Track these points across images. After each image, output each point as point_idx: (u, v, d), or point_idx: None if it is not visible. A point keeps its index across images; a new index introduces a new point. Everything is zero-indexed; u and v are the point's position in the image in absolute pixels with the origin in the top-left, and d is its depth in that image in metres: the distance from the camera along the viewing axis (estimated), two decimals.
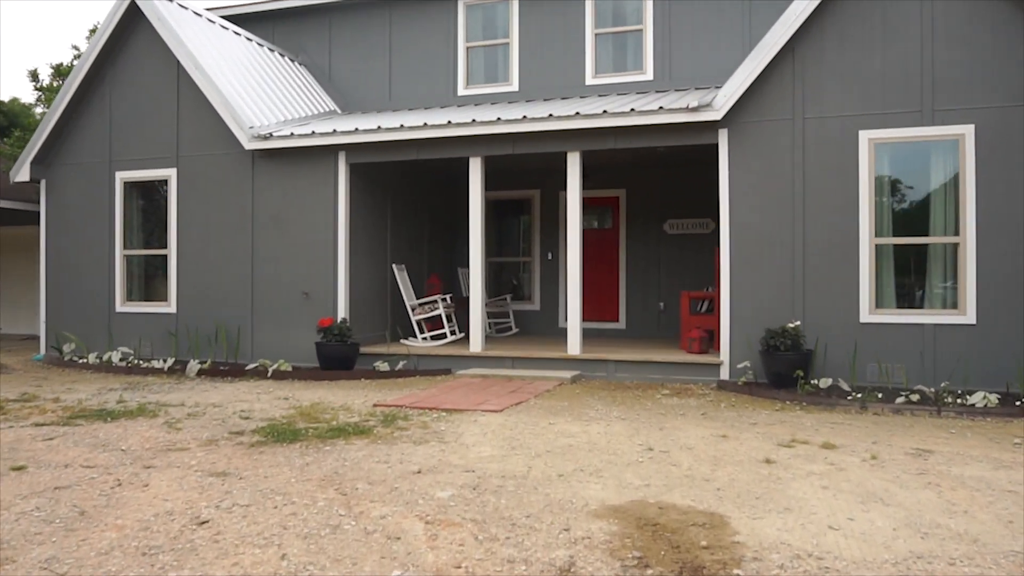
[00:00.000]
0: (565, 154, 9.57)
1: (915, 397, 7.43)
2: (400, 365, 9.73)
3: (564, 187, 12.86)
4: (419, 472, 4.95)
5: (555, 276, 12.95)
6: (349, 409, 7.23)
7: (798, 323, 8.22)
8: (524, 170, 12.80)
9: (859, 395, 7.57)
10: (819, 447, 5.67)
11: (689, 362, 8.92)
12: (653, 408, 7.31)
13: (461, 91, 12.79)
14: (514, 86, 12.53)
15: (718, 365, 8.80)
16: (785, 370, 8.08)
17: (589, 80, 12.16)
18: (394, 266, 10.91)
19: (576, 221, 9.40)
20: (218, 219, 10.77)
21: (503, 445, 5.71)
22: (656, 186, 12.47)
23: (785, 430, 6.29)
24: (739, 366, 8.56)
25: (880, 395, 7.54)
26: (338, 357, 9.51)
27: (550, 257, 12.98)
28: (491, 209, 13.42)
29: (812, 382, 8.12)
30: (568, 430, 6.23)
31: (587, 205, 12.86)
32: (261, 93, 11.32)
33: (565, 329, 12.85)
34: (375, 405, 7.39)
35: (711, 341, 9.61)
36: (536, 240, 13.08)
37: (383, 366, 9.58)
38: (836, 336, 8.34)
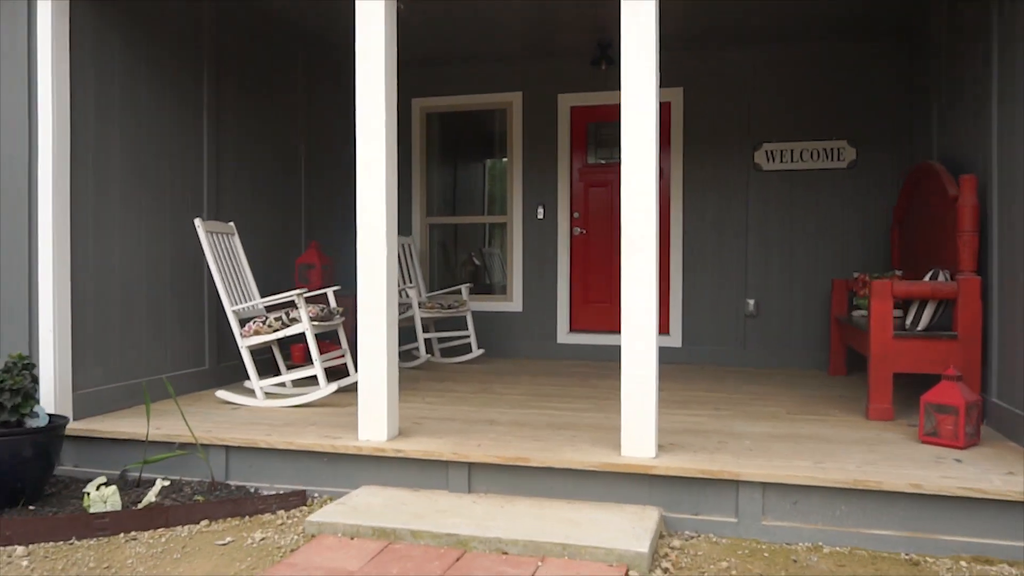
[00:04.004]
0: None
1: None
2: (159, 488, 3.55)
3: (568, 82, 6.73)
4: None
5: (551, 250, 6.83)
6: None
7: None
8: (493, 52, 6.58)
9: None
10: None
11: (961, 494, 2.89)
12: None
13: None
14: None
15: None
16: None
17: None
18: (199, 224, 4.59)
19: (649, 108, 3.23)
20: None
21: None
22: (744, 81, 6.38)
23: None
24: None
25: None
26: None
27: (542, 215, 6.84)
28: (435, 129, 7.20)
29: None
30: None
31: (604, 121, 6.75)
32: None
33: (568, 346, 6.79)
34: None
35: (980, 414, 3.58)
36: (516, 185, 6.92)
37: (107, 498, 3.29)
38: None
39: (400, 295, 6.20)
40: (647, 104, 3.16)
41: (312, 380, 4.78)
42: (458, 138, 7.42)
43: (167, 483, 3.29)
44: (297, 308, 4.33)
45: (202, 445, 3.62)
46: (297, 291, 4.30)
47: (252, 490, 3.56)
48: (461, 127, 7.32)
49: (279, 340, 4.61)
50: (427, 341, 6.35)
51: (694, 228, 6.46)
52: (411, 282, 6.41)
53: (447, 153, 7.34)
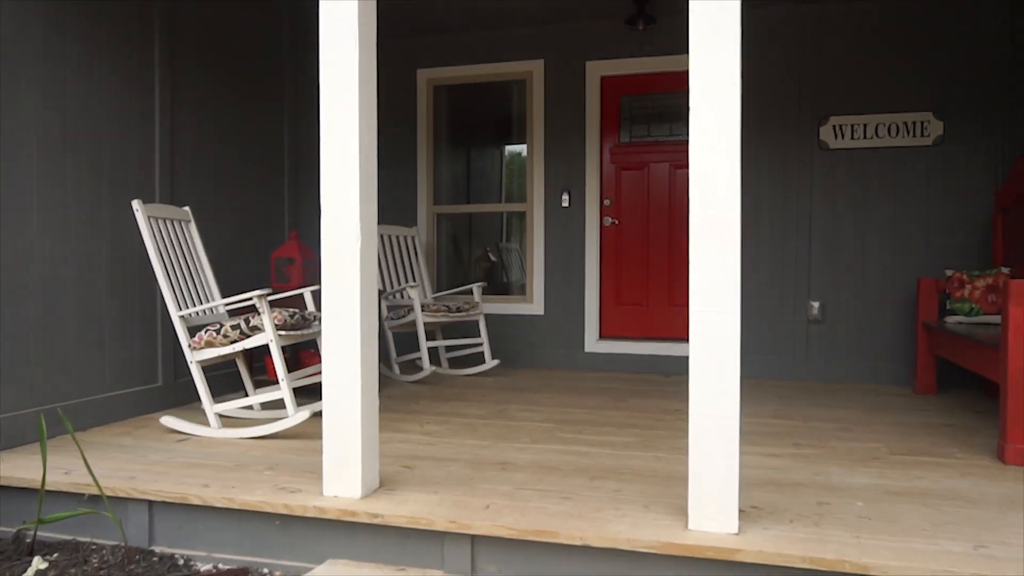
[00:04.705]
0: None
1: None
2: (35, 572, 2.65)
3: (598, 47, 5.74)
4: None
5: (578, 243, 5.85)
6: None
7: None
8: (509, 14, 5.59)
9: None
10: None
11: None
12: None
13: None
14: None
15: None
16: None
17: None
18: (137, 206, 3.63)
19: (733, 26, 2.29)
20: None
21: None
22: (807, 42, 5.35)
23: None
24: None
25: None
26: None
27: (567, 203, 5.86)
28: (444, 104, 6.23)
29: None
30: None
31: (642, 92, 5.76)
32: None
33: (598, 355, 5.81)
34: None
35: None
36: (537, 168, 5.94)
37: None
38: None
39: (400, 296, 5.25)
40: (729, 18, 2.18)
41: (272, 408, 3.85)
42: (471, 114, 6.45)
43: (45, 564, 2.35)
44: (259, 311, 3.39)
45: (113, 499, 2.69)
46: (259, 292, 3.36)
47: (181, 562, 2.63)
48: (474, 102, 6.35)
49: (243, 352, 3.68)
50: (432, 350, 5.41)
51: (746, 217, 5.45)
52: (414, 281, 5.46)
53: (458, 132, 6.38)
